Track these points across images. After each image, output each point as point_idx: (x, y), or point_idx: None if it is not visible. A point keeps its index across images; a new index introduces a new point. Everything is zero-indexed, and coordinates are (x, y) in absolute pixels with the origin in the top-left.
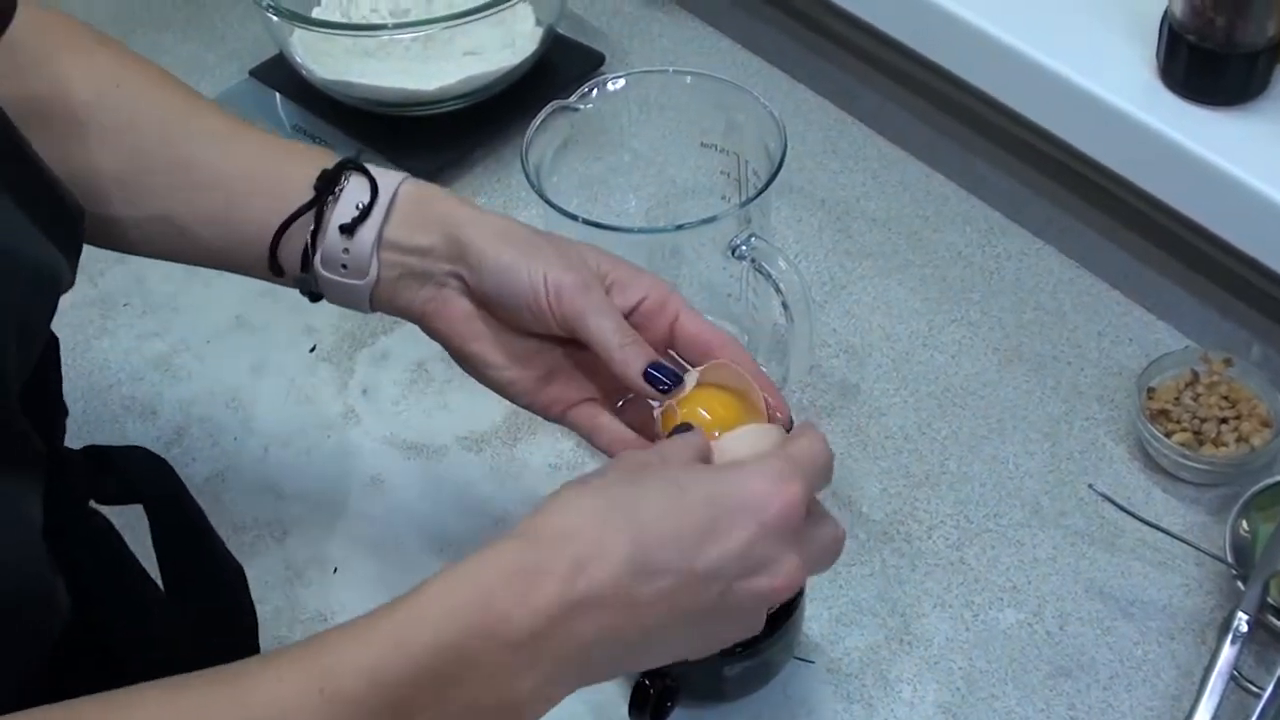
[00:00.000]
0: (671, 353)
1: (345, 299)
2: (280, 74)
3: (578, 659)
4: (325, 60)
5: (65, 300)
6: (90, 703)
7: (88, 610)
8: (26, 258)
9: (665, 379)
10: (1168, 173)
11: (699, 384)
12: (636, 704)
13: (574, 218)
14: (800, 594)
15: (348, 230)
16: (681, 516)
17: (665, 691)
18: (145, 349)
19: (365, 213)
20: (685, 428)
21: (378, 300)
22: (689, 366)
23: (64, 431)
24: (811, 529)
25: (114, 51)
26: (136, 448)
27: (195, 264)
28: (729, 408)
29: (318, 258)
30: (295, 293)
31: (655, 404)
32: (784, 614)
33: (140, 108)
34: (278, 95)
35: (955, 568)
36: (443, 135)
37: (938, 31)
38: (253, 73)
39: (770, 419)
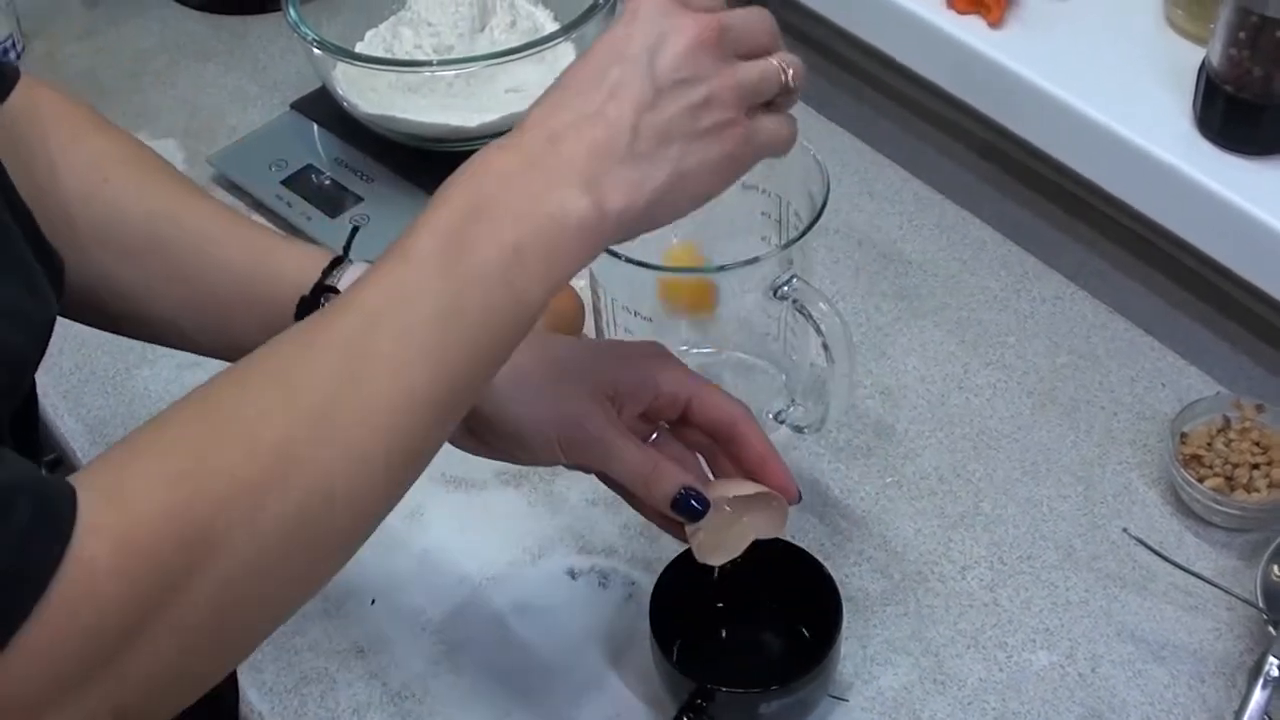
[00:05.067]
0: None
1: None
2: (322, 107)
3: (587, 171)
4: (368, 95)
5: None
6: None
7: None
8: (36, 303)
9: (698, 505)
10: (1203, 220)
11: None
12: None
13: (616, 256)
14: (836, 631)
15: None
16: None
17: None
18: (186, 378)
19: None
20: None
21: None
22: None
23: (43, 454)
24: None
25: (105, 139)
26: None
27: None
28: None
29: None
30: None
31: None
32: (820, 651)
33: (127, 204)
34: (317, 127)
35: (989, 609)
36: None
37: (976, 77)
38: (294, 105)
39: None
